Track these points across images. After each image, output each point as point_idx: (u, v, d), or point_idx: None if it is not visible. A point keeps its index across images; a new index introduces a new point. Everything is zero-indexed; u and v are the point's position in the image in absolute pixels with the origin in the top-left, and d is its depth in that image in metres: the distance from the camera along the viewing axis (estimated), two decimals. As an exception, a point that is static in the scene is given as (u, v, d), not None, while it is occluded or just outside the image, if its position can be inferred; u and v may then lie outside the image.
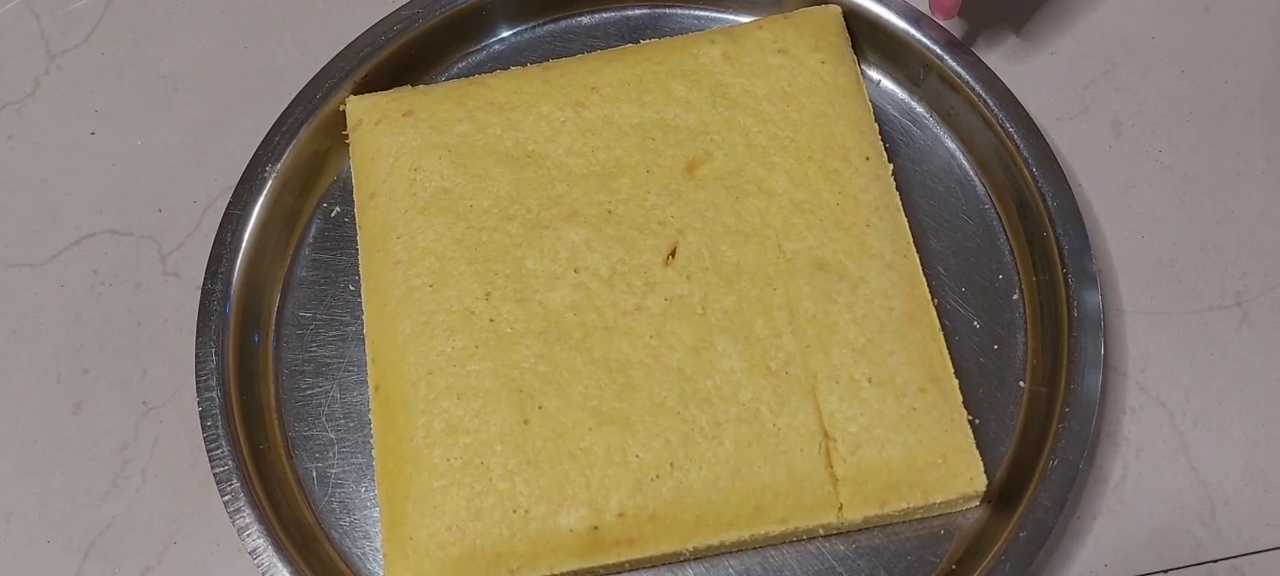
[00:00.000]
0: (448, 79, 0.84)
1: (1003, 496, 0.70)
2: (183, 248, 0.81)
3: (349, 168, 0.80)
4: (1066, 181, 0.75)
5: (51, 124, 0.87)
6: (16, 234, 0.83)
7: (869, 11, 0.81)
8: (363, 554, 0.72)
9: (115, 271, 0.81)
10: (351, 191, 0.79)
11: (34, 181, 0.84)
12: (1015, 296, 0.76)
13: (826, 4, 0.82)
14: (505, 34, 0.86)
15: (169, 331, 0.78)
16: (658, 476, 0.68)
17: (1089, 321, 0.71)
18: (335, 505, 0.73)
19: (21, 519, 0.75)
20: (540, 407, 0.69)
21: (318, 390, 0.76)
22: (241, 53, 0.88)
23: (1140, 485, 0.72)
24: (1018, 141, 0.76)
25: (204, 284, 0.76)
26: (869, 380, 0.69)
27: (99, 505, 0.75)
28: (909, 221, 0.75)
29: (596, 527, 0.67)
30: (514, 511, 0.68)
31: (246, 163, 0.79)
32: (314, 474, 0.74)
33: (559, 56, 0.82)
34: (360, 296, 0.77)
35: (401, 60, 0.83)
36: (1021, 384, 0.73)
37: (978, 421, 0.70)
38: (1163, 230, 0.78)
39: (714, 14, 0.85)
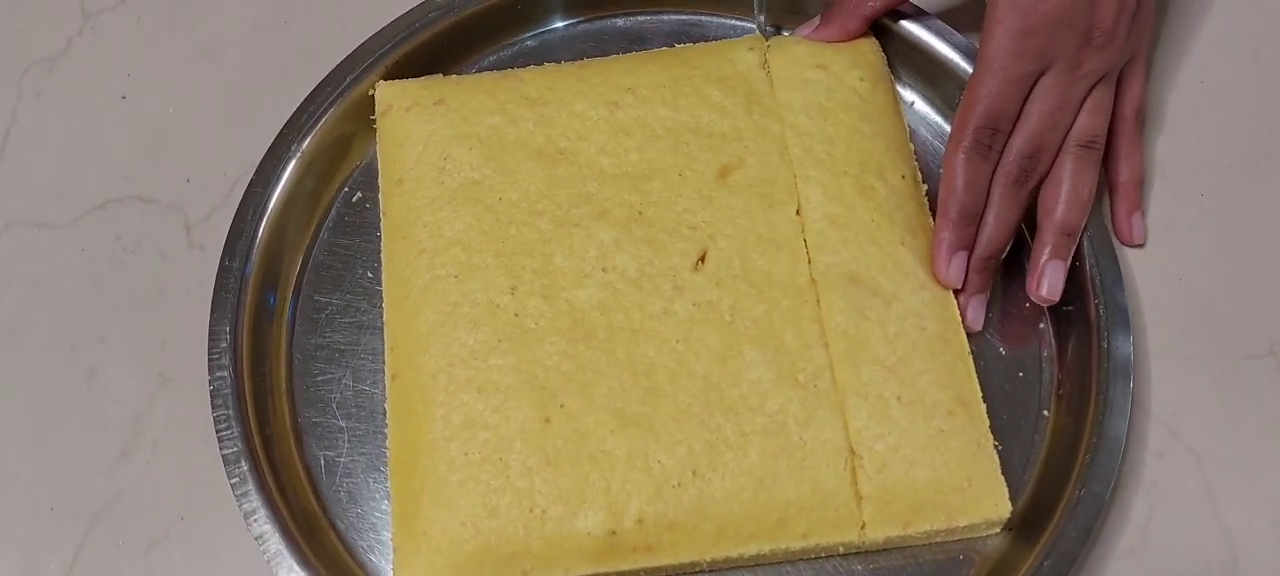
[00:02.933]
0: (479, 71, 0.83)
1: (1024, 525, 0.69)
2: (209, 219, 0.80)
3: (374, 153, 0.79)
4: (1102, 215, 0.75)
5: (82, 85, 0.85)
6: (40, 194, 0.81)
7: (907, 33, 0.81)
8: (369, 546, 0.71)
9: (139, 239, 0.80)
10: (375, 177, 0.78)
11: (61, 142, 0.83)
12: (1042, 325, 0.75)
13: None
14: (539, 30, 0.85)
15: (190, 303, 0.76)
16: (679, 484, 0.67)
17: (1119, 354, 0.71)
18: (342, 495, 0.72)
19: (27, 483, 0.73)
20: (562, 406, 0.68)
21: (330, 377, 0.75)
22: (280, 27, 0.87)
23: (1165, 529, 0.71)
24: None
25: (221, 260, 0.74)
26: (898, 399, 0.69)
27: (108, 475, 0.73)
28: (941, 244, 0.74)
29: (614, 532, 0.66)
30: (531, 511, 0.66)
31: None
32: (322, 462, 0.73)
33: (592, 56, 0.81)
34: (379, 284, 0.76)
35: (434, 49, 0.82)
36: (1045, 413, 0.73)
37: (1000, 447, 0.69)
38: (1200, 275, 0.78)
39: (752, 25, 0.84)
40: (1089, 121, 0.73)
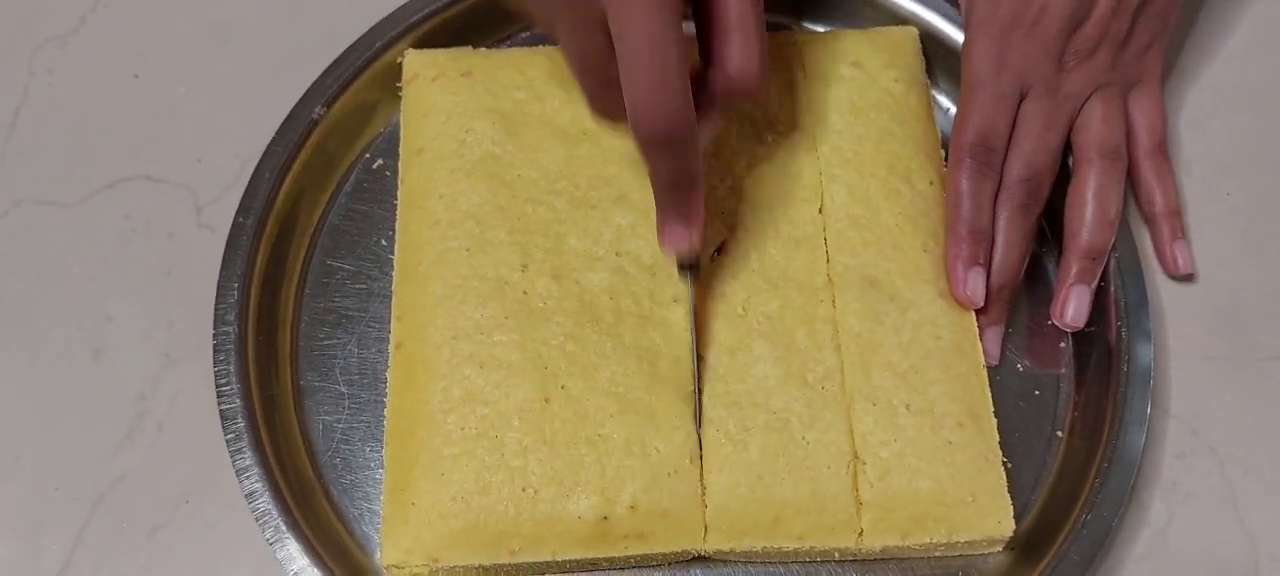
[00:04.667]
0: (510, 47, 0.82)
1: (1027, 545, 0.67)
2: (220, 200, 0.79)
3: (397, 121, 0.78)
4: (1130, 232, 0.73)
5: (94, 62, 0.85)
6: (49, 172, 0.81)
7: (947, 37, 0.79)
8: (360, 514, 0.70)
9: (148, 218, 0.79)
10: (397, 145, 0.77)
11: (72, 120, 0.82)
12: (1063, 344, 0.73)
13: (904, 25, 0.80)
14: (574, 10, 0.84)
15: (198, 284, 0.75)
16: (675, 472, 0.65)
17: (1139, 378, 0.69)
18: (338, 461, 0.71)
19: (30, 464, 0.72)
20: (563, 387, 0.67)
21: (335, 342, 0.74)
22: (295, 6, 0.86)
23: (1185, 532, 0.70)
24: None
25: (236, 218, 0.74)
26: (907, 407, 0.67)
27: (112, 457, 0.72)
28: (964, 254, 0.73)
29: (606, 518, 0.65)
30: (523, 490, 0.65)
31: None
32: (320, 426, 0.72)
33: (626, 42, 0.80)
34: (392, 253, 0.75)
35: (465, 21, 0.81)
36: (1059, 434, 0.71)
37: (1009, 465, 0.68)
38: (1225, 274, 0.76)
39: (788, 21, 0.83)
40: (1105, 130, 0.73)
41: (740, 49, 0.63)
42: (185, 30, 0.86)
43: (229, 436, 0.68)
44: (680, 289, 0.69)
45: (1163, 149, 0.77)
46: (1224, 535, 0.70)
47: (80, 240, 0.78)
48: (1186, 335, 0.74)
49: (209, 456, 0.71)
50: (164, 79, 0.84)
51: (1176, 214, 0.76)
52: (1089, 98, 0.73)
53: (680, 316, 0.69)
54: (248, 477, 0.67)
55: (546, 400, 0.67)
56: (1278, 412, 0.73)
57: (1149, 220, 0.77)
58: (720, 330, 0.69)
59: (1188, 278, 0.76)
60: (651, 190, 0.65)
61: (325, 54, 0.79)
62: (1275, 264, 0.77)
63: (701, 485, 0.65)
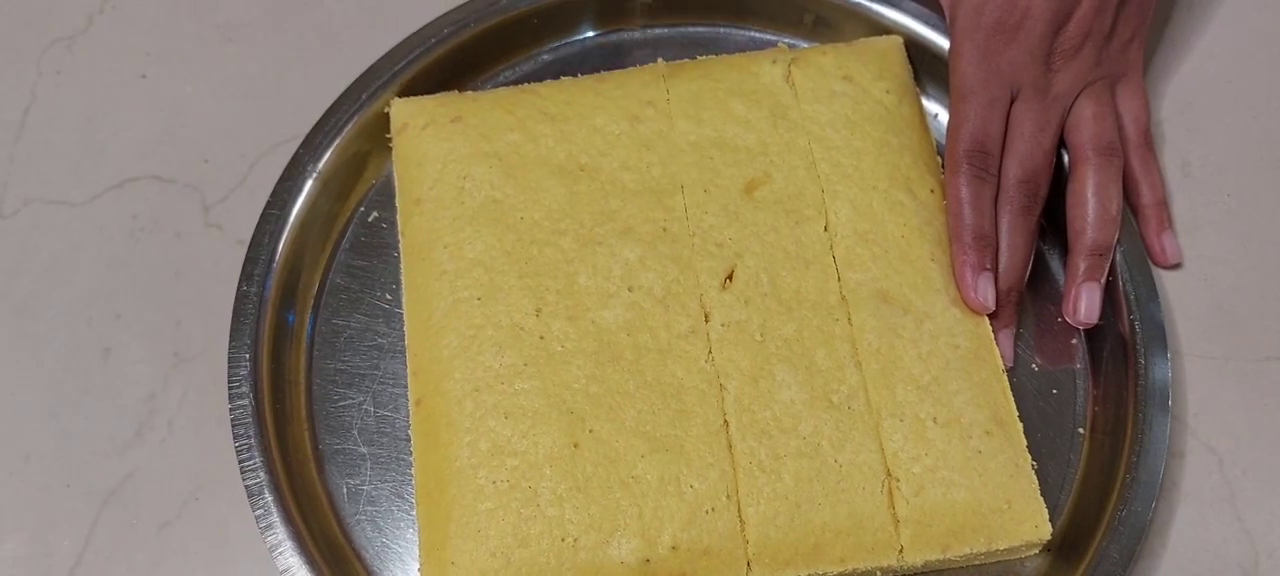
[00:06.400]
0: (496, 87, 0.81)
1: (1064, 546, 0.68)
2: (227, 200, 0.79)
3: (389, 171, 0.78)
4: (1133, 225, 0.74)
5: (102, 63, 0.85)
6: (58, 171, 0.81)
7: (931, 44, 0.80)
8: (394, 576, 0.69)
9: (156, 218, 0.79)
10: (391, 196, 0.77)
11: (80, 120, 0.83)
12: (1075, 340, 0.74)
13: (888, 34, 0.80)
14: (556, 44, 0.84)
15: (206, 284, 0.76)
16: (713, 509, 0.66)
17: (1156, 369, 0.70)
18: (366, 524, 0.70)
19: (41, 460, 0.73)
20: (591, 431, 0.67)
21: (350, 402, 0.73)
22: (300, 8, 0.87)
23: (1185, 531, 0.71)
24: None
25: (238, 287, 0.73)
26: (934, 419, 0.67)
27: (122, 454, 0.73)
28: (970, 259, 0.73)
29: (649, 560, 0.65)
30: (562, 539, 0.65)
31: (297, 120, 0.78)
32: (345, 490, 0.71)
33: (610, 70, 0.80)
34: (397, 306, 0.74)
35: (449, 65, 0.80)
36: (1081, 431, 0.72)
37: (1037, 467, 0.68)
38: (1224, 274, 0.77)
39: (772, 36, 0.83)
40: (1097, 127, 0.74)
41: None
42: (192, 31, 0.86)
43: (258, 511, 0.67)
44: (696, 320, 0.70)
45: (1148, 141, 0.78)
46: (1224, 533, 0.71)
47: (89, 239, 0.79)
48: (1185, 335, 0.75)
49: (217, 454, 0.72)
50: (171, 79, 0.84)
51: (1163, 204, 0.77)
52: (1078, 95, 0.74)
53: (698, 347, 0.69)
54: (281, 554, 0.66)
55: (576, 445, 0.67)
56: (1276, 412, 0.74)
57: (1136, 212, 0.78)
58: (739, 358, 0.69)
59: (1176, 267, 0.77)
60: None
61: (327, 54, 0.80)
62: (1273, 264, 0.78)
63: (740, 519, 0.66)
